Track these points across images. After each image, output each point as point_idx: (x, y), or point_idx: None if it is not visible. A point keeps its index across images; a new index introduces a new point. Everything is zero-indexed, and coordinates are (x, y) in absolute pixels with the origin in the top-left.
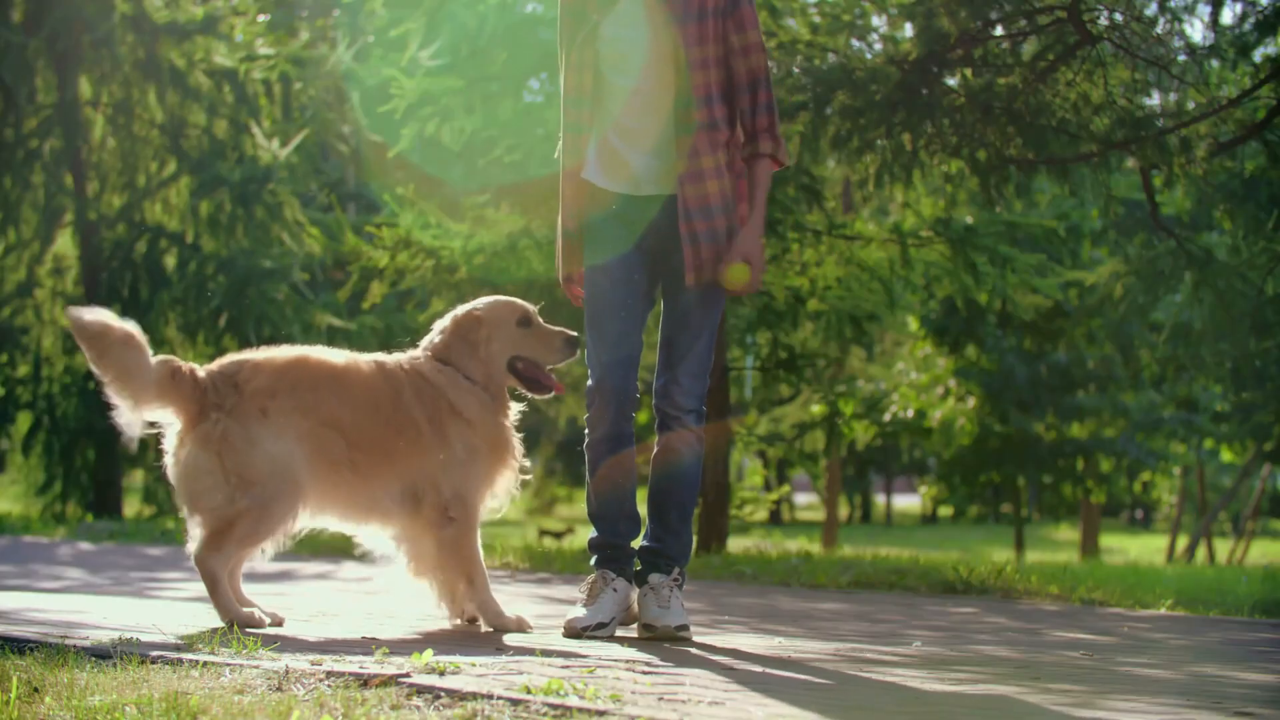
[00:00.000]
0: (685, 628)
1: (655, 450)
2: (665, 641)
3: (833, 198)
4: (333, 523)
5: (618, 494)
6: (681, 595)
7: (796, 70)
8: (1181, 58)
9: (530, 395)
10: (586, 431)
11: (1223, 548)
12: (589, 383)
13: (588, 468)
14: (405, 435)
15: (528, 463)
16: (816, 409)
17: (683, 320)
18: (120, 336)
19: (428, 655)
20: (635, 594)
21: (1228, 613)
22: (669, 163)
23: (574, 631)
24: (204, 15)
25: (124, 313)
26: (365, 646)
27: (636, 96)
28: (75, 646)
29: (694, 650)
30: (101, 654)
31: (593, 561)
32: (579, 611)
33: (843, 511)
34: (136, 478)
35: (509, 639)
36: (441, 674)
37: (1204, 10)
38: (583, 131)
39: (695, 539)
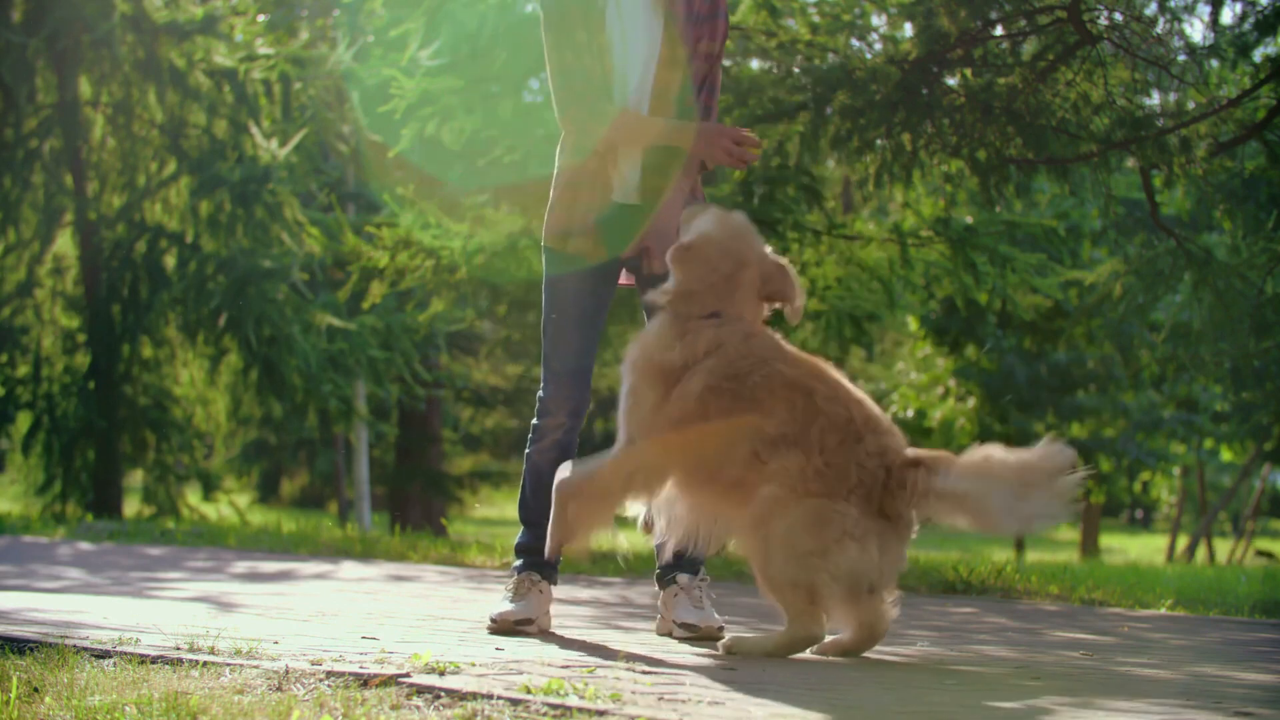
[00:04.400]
0: (723, 629)
1: None
2: (706, 640)
3: (833, 198)
4: None
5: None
6: (711, 595)
7: (796, 70)
8: (1181, 58)
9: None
10: (532, 438)
11: (1223, 548)
12: (541, 392)
13: (529, 473)
14: None
15: None
16: None
17: None
18: None
19: (428, 655)
20: (551, 599)
21: (1228, 613)
22: (649, 170)
23: (507, 625)
24: (204, 15)
25: (124, 313)
26: (365, 646)
27: (636, 96)
28: (75, 646)
29: (694, 650)
30: (101, 654)
31: (519, 564)
32: (508, 605)
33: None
34: (136, 478)
35: (509, 639)
36: (441, 674)
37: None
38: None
39: None
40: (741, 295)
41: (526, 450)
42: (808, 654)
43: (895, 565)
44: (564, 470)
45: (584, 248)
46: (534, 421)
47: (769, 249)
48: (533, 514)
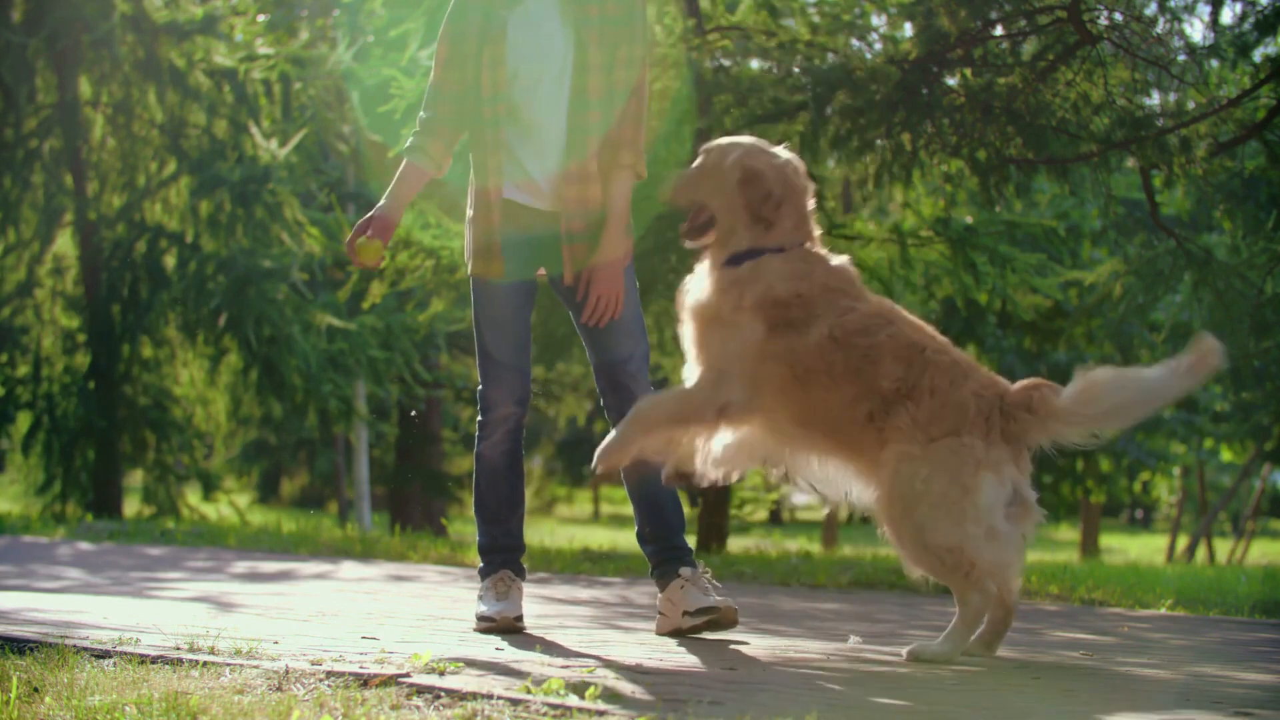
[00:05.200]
0: (737, 610)
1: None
2: (725, 622)
3: (833, 198)
4: None
5: (513, 497)
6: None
7: (796, 70)
8: (1181, 58)
9: None
10: (481, 435)
11: (1223, 548)
12: (482, 388)
13: (483, 470)
14: None
15: None
16: None
17: (611, 327)
18: None
19: (428, 655)
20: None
21: (1228, 613)
22: (560, 178)
23: (508, 623)
24: (204, 15)
25: (124, 313)
26: (365, 646)
27: (543, 103)
28: (75, 646)
29: (694, 650)
30: (101, 654)
31: (486, 566)
32: (499, 605)
33: (843, 511)
34: (136, 478)
35: (508, 640)
36: (441, 674)
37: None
38: (500, 126)
39: (694, 539)
40: (804, 214)
41: (476, 450)
42: (809, 653)
43: (1026, 498)
44: (643, 400)
45: (487, 267)
46: (478, 419)
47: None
48: (489, 510)
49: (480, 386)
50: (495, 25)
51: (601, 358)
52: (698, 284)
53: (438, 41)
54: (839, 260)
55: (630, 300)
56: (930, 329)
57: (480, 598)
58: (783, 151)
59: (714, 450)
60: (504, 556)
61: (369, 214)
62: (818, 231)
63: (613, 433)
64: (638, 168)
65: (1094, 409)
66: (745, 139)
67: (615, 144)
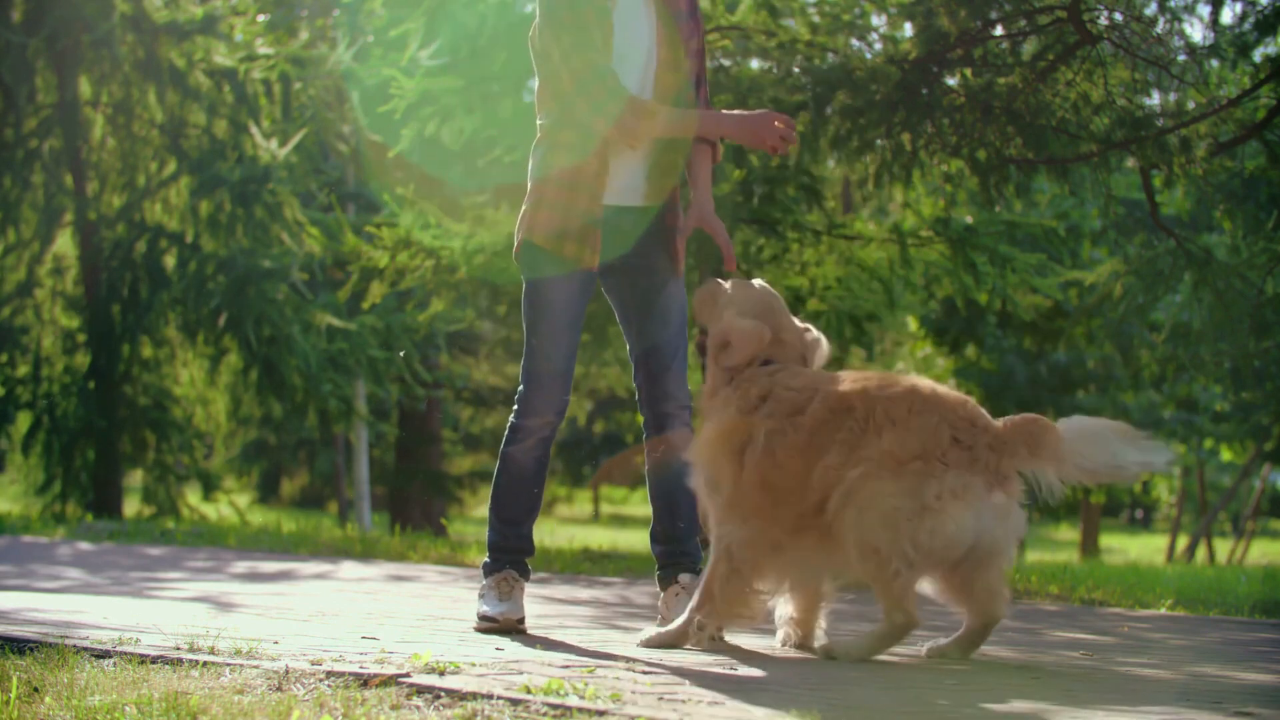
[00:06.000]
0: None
1: (657, 451)
2: None
3: (832, 198)
4: None
5: (532, 502)
6: None
7: (796, 70)
8: (1181, 58)
9: None
10: (513, 438)
11: (1223, 548)
12: (524, 392)
13: (509, 472)
14: None
15: None
16: None
17: (664, 319)
18: None
19: (428, 655)
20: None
21: (1227, 613)
22: (657, 172)
23: (510, 624)
24: (204, 15)
25: (124, 313)
26: (365, 646)
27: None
28: (75, 646)
29: (694, 650)
30: (101, 654)
31: (491, 562)
32: (503, 606)
33: None
34: (136, 478)
35: (508, 640)
36: (441, 674)
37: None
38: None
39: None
40: (785, 349)
41: (504, 449)
42: (809, 653)
43: (1010, 532)
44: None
45: (579, 252)
46: (514, 421)
47: (797, 321)
48: (507, 511)
49: (522, 389)
50: (607, 11)
51: (645, 344)
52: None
53: (556, 29)
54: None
55: (684, 332)
56: (888, 374)
57: (482, 596)
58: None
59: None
60: (512, 557)
61: (315, 199)
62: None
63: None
64: (716, 144)
65: (1084, 443)
66: (739, 290)
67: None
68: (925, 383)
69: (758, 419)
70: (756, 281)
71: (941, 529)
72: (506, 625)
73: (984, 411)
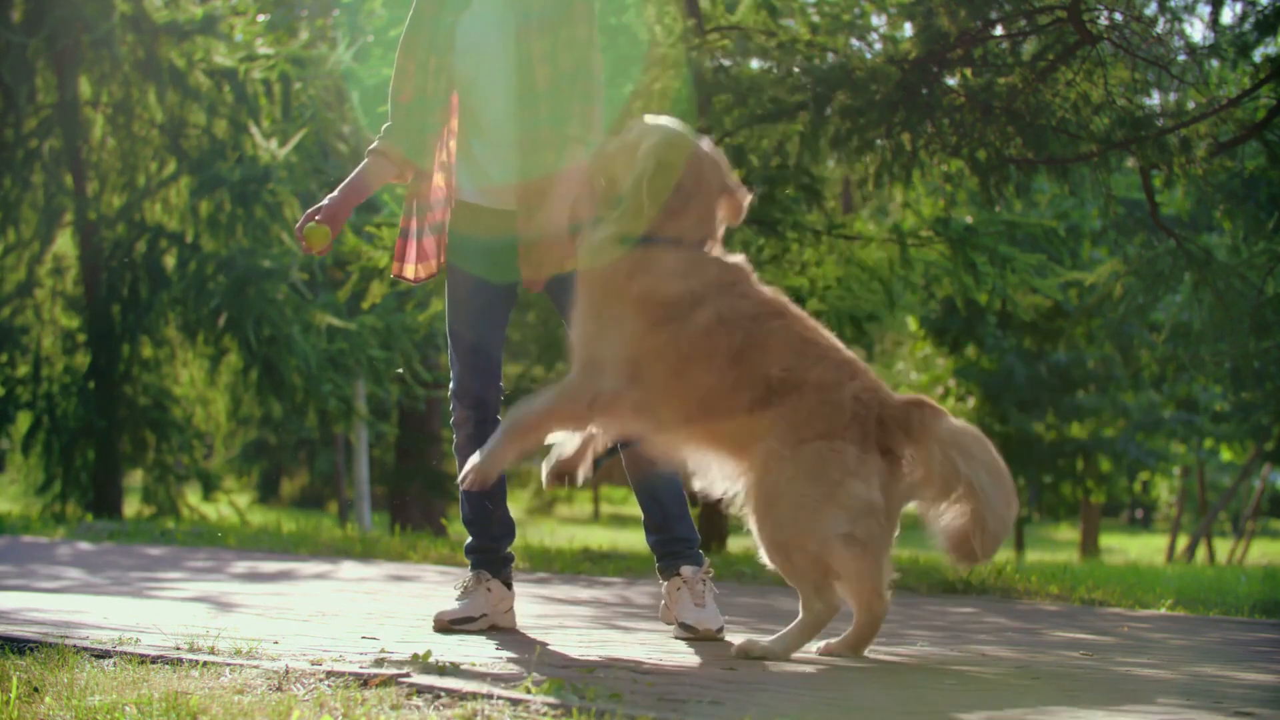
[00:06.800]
0: (722, 629)
1: (626, 449)
2: (705, 641)
3: (832, 198)
4: None
5: (491, 498)
6: (714, 590)
7: (796, 70)
8: (1181, 58)
9: None
10: (455, 434)
11: (1223, 548)
12: (452, 385)
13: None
14: None
15: None
16: None
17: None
18: None
19: (427, 655)
20: (508, 597)
21: (1228, 613)
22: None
23: (443, 624)
24: (204, 15)
25: (124, 313)
26: (365, 646)
27: (496, 103)
28: (75, 646)
29: (694, 650)
30: (101, 654)
31: (471, 564)
32: (451, 605)
33: None
34: (136, 478)
35: (507, 639)
36: (441, 674)
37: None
38: (429, 132)
39: None
40: (710, 212)
41: (454, 446)
42: (809, 653)
43: (894, 514)
44: (517, 406)
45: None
46: (451, 420)
47: (706, 144)
48: (466, 513)
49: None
50: (443, 33)
51: None
52: (589, 257)
53: (397, 51)
54: (735, 258)
55: None
56: (823, 328)
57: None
58: (704, 144)
59: (597, 447)
60: (478, 556)
61: (319, 201)
62: (720, 231)
63: (487, 443)
64: (585, 138)
65: (964, 456)
66: (669, 124)
67: (564, 120)
68: (853, 357)
69: (706, 303)
70: (664, 121)
71: (846, 510)
72: (438, 625)
73: (882, 385)
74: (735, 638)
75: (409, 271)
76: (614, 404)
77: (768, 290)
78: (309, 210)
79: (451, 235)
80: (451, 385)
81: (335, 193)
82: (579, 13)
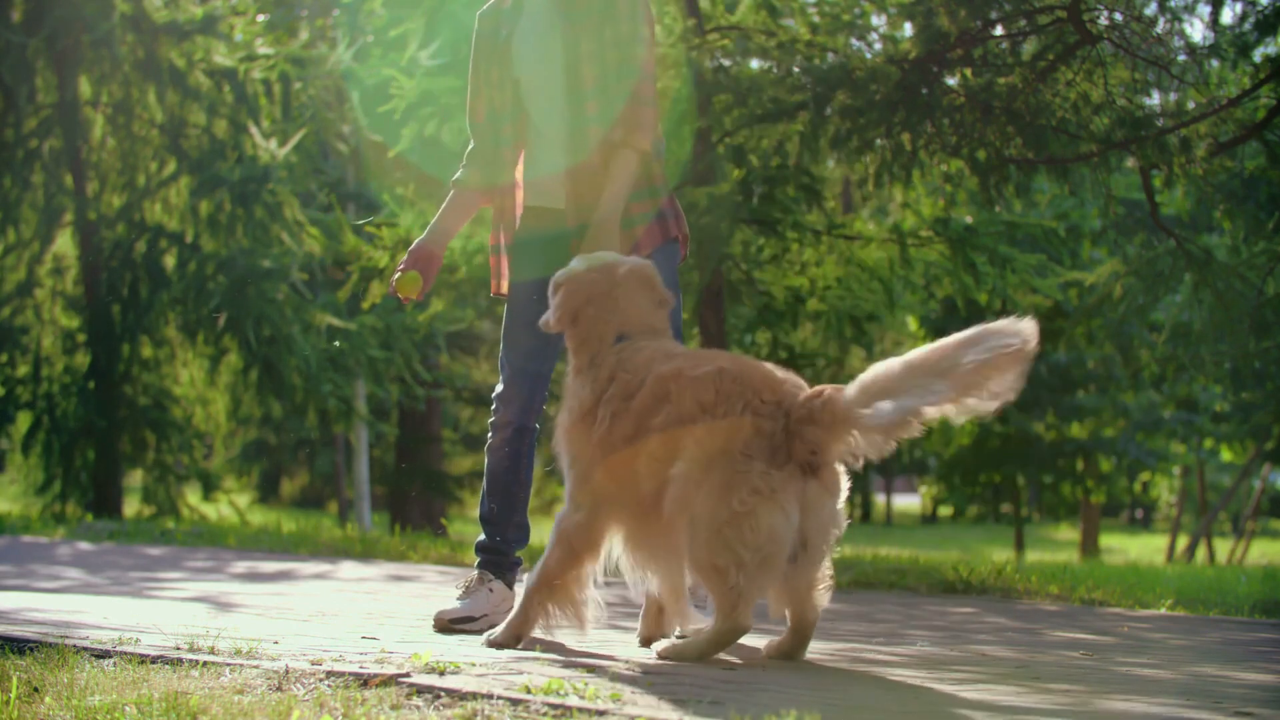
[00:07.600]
0: (465, 619)
1: None
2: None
3: (832, 197)
4: None
5: (511, 502)
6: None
7: (796, 70)
8: (1181, 58)
9: None
10: (489, 435)
11: (1223, 548)
12: (499, 388)
13: (486, 471)
14: None
15: None
16: None
17: None
18: None
19: (428, 655)
20: (509, 598)
21: (1228, 613)
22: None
23: (443, 624)
24: (204, 15)
25: (124, 313)
26: (365, 646)
27: (551, 106)
28: (75, 646)
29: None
30: (101, 654)
31: (477, 563)
32: (453, 604)
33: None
34: (136, 478)
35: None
36: (441, 674)
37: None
38: (503, 146)
39: None
40: (630, 306)
41: (486, 445)
42: (809, 653)
43: (823, 526)
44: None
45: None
46: (490, 419)
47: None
48: (485, 511)
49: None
50: (500, 43)
51: None
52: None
53: (468, 76)
54: (657, 341)
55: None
56: (679, 347)
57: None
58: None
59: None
60: (485, 557)
61: (412, 245)
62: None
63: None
64: (633, 142)
65: (875, 398)
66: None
67: (611, 120)
68: (734, 360)
69: (603, 401)
70: (606, 257)
71: (755, 532)
72: (438, 625)
73: (794, 386)
74: (742, 638)
75: (505, 288)
76: (588, 530)
77: (638, 347)
78: (404, 259)
79: (515, 239)
80: (499, 388)
81: (424, 235)
82: (622, 10)
